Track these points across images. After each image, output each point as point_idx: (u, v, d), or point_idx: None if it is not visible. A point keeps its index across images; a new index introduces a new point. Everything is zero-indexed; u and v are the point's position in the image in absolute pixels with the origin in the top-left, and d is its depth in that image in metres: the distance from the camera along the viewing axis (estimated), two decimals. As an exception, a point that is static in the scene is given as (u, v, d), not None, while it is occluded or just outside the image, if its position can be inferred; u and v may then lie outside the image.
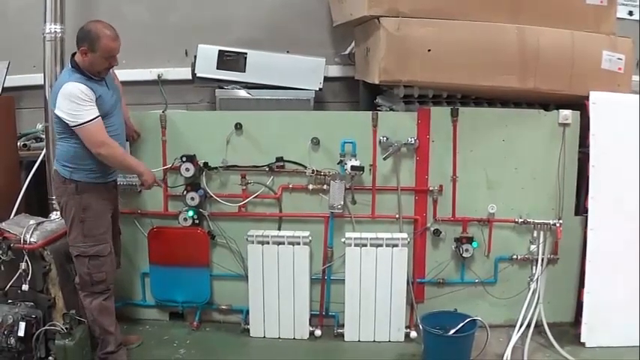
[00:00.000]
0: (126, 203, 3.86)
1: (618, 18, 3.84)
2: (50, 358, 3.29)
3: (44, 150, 3.82)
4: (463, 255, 3.70)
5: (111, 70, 3.29)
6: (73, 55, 3.15)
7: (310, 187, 3.74)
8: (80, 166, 3.16)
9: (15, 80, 4.18)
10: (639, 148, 3.56)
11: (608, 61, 3.63)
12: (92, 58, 3.07)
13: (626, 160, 3.57)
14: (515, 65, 3.52)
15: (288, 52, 4.08)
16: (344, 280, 3.67)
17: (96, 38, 3.05)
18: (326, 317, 3.84)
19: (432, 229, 3.74)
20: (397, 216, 3.74)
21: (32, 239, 3.30)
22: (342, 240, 3.63)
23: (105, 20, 3.95)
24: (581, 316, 3.60)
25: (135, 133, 3.75)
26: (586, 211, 3.61)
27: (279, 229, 3.81)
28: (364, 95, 4.15)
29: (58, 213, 3.75)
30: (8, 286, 3.30)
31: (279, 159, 3.73)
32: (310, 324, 3.76)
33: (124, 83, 4.24)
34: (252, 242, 3.65)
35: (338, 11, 4.05)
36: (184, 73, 4.13)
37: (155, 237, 3.82)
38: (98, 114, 3.07)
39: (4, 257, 3.26)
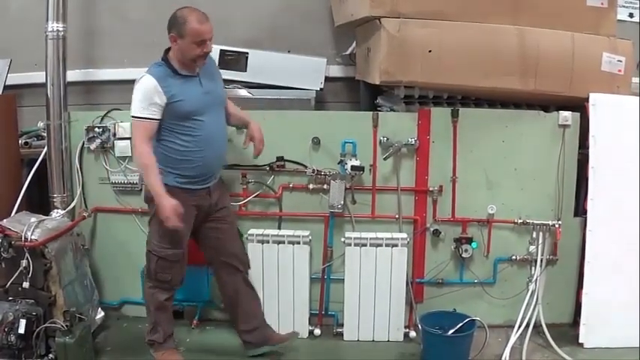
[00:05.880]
0: (126, 201, 3.87)
1: (618, 20, 3.85)
2: (50, 355, 3.30)
3: (45, 148, 3.83)
4: (462, 255, 3.71)
5: (216, 69, 3.27)
6: (167, 50, 3.09)
7: (310, 186, 3.75)
8: (169, 169, 3.09)
9: (16, 78, 4.18)
10: (639, 149, 3.56)
11: (608, 63, 3.63)
12: (182, 44, 2.98)
13: (625, 161, 3.58)
14: (516, 67, 3.53)
15: (289, 52, 4.09)
16: (343, 279, 3.68)
17: (182, 22, 2.96)
18: (325, 316, 3.85)
19: (432, 229, 3.75)
20: (397, 216, 3.75)
21: (33, 237, 3.31)
22: (342, 239, 3.64)
23: (106, 19, 3.98)
24: (579, 316, 3.61)
25: (257, 139, 3.41)
26: (585, 213, 3.62)
27: (279, 228, 3.82)
28: (365, 95, 4.16)
29: (60, 211, 3.78)
30: (9, 284, 3.30)
31: (280, 158, 3.74)
32: (309, 323, 3.77)
33: (126, 82, 4.27)
34: (253, 241, 3.66)
35: (339, 12, 4.06)
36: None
37: (155, 235, 3.82)
38: (152, 117, 2.98)
39: (5, 254, 3.26)
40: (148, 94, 2.97)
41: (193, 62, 3.04)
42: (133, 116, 3.02)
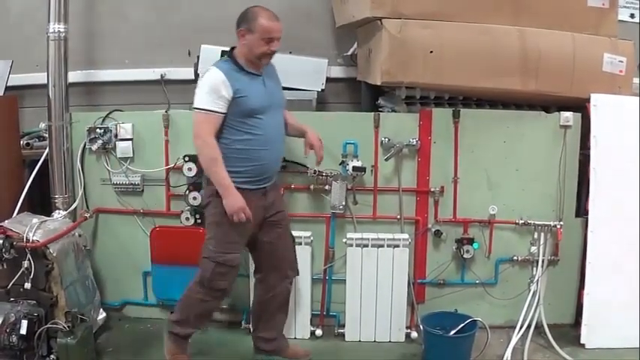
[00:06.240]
0: (128, 202, 3.88)
1: (620, 21, 3.85)
2: (52, 356, 3.29)
3: (47, 149, 3.83)
4: (464, 256, 3.71)
5: (277, 75, 3.25)
6: (232, 48, 3.12)
7: (312, 187, 3.75)
8: (229, 168, 3.03)
9: (18, 79, 4.18)
10: (640, 150, 3.58)
11: (609, 63, 3.64)
12: (250, 40, 3.00)
13: (626, 162, 3.58)
14: (517, 67, 3.53)
15: (290, 52, 4.08)
16: (345, 280, 3.68)
17: (253, 18, 2.99)
18: (327, 317, 3.85)
19: (433, 229, 3.75)
20: (398, 217, 3.75)
21: (35, 238, 3.31)
22: (344, 240, 3.65)
23: (107, 20, 3.98)
24: (581, 317, 3.61)
25: (317, 147, 3.35)
26: (586, 213, 3.62)
27: (280, 229, 3.82)
28: (366, 96, 4.16)
29: (61, 212, 3.78)
30: (11, 284, 3.30)
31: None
32: (311, 324, 3.77)
33: (127, 83, 4.30)
34: (254, 242, 3.66)
35: (340, 12, 4.07)
36: (187, 73, 4.13)
37: (157, 236, 3.82)
38: (218, 110, 2.98)
39: (7, 255, 3.25)
40: (215, 87, 2.96)
41: (259, 60, 3.06)
42: (197, 108, 2.99)
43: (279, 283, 3.36)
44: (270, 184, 3.23)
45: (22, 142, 4.05)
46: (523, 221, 3.68)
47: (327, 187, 3.71)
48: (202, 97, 2.99)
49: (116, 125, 3.83)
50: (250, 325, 3.56)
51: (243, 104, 3.01)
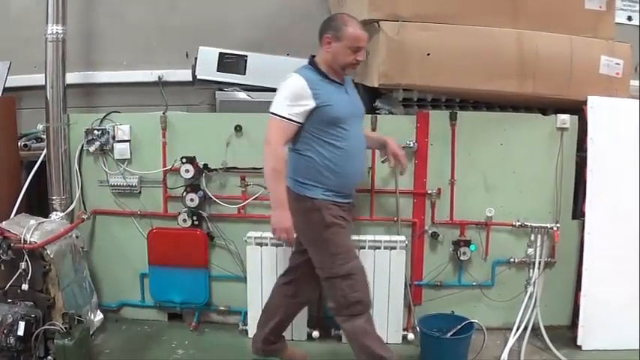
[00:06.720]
0: (125, 204, 3.88)
1: (617, 23, 3.86)
2: (49, 357, 3.30)
3: (44, 150, 3.84)
4: (461, 258, 3.71)
5: (352, 81, 3.13)
6: (313, 56, 3.02)
7: (309, 189, 3.75)
8: (313, 182, 2.92)
9: (16, 80, 4.18)
10: (638, 152, 3.57)
11: (606, 66, 3.64)
12: (336, 48, 2.89)
13: (623, 164, 3.59)
14: (514, 70, 3.54)
15: (288, 54, 4.09)
16: (342, 282, 3.68)
17: (342, 25, 2.89)
18: (324, 319, 3.84)
19: (430, 231, 3.75)
20: (395, 219, 3.76)
21: (32, 239, 3.31)
22: (341, 242, 3.65)
23: (106, 21, 3.98)
24: (577, 319, 3.62)
25: (400, 155, 3.27)
26: (583, 215, 3.63)
27: (277, 230, 3.82)
28: (363, 98, 4.11)
29: (59, 213, 3.79)
30: (8, 286, 3.30)
31: (279, 161, 3.74)
32: (308, 325, 3.77)
33: (125, 84, 4.31)
34: (251, 244, 3.66)
35: (338, 14, 4.07)
36: (185, 75, 4.15)
37: (154, 238, 3.83)
38: (295, 120, 2.85)
39: (5, 257, 3.26)
40: (294, 94, 2.85)
41: (343, 70, 2.96)
42: (273, 113, 2.87)
43: (311, 295, 3.32)
44: (353, 200, 3.13)
45: (19, 143, 4.06)
46: (520, 223, 3.69)
47: (324, 188, 3.71)
48: (280, 103, 2.87)
49: (114, 127, 3.83)
50: (256, 324, 3.43)
51: (327, 113, 2.88)
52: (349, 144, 2.96)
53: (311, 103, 2.86)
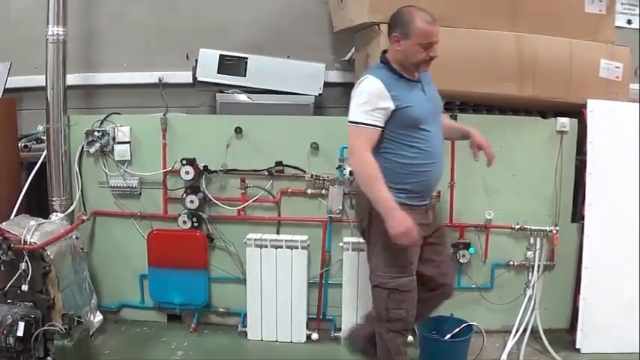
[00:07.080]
0: (125, 205, 3.88)
1: (617, 27, 3.86)
2: (49, 358, 3.30)
3: (45, 151, 3.84)
4: (460, 260, 3.72)
5: (429, 75, 2.89)
6: (385, 51, 2.83)
7: (309, 191, 3.76)
8: (390, 184, 2.71)
9: (16, 82, 4.18)
10: (637, 155, 3.58)
11: (605, 69, 3.65)
12: (405, 46, 2.69)
13: (623, 167, 3.60)
14: (514, 73, 3.55)
15: (288, 57, 4.10)
16: (341, 284, 3.69)
17: (409, 21, 2.67)
18: (323, 321, 3.85)
19: (430, 234, 3.75)
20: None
21: (32, 240, 3.31)
22: (340, 244, 3.66)
23: (106, 23, 3.98)
24: (576, 322, 3.62)
25: (486, 146, 3.05)
26: (582, 218, 3.64)
27: (277, 232, 3.82)
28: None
29: (59, 214, 3.79)
30: (8, 286, 3.30)
31: (279, 163, 3.75)
32: (307, 327, 3.78)
33: (125, 86, 4.31)
34: (251, 245, 3.67)
35: (339, 17, 4.07)
36: (185, 77, 4.15)
37: (154, 239, 3.83)
38: (376, 124, 2.68)
39: (4, 257, 3.26)
40: (372, 98, 2.68)
41: (415, 68, 2.77)
42: (353, 122, 2.70)
43: (430, 296, 3.08)
44: (430, 202, 2.97)
45: (20, 144, 4.06)
46: (519, 226, 3.69)
47: (324, 191, 3.72)
48: (358, 110, 2.69)
49: (114, 128, 3.83)
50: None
51: (407, 115, 2.71)
52: (430, 145, 2.79)
53: (390, 106, 2.69)
